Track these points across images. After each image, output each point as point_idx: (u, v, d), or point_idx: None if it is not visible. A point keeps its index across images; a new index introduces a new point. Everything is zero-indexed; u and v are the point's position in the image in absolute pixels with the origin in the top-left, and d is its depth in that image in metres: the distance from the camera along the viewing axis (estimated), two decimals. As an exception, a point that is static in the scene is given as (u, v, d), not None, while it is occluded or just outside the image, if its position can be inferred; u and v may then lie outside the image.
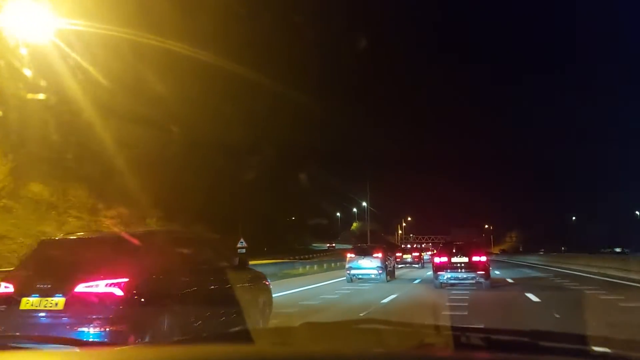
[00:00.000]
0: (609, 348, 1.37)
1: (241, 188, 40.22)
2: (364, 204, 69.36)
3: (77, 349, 2.04)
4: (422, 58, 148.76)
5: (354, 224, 79.33)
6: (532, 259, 38.56)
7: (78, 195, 21.11)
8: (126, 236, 5.32)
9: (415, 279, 19.52)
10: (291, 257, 34.57)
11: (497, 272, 21.37)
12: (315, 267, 29.13)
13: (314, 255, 46.70)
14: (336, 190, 64.18)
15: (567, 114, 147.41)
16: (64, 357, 1.77)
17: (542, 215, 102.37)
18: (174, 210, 26.27)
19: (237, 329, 5.27)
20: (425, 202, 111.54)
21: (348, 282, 17.46)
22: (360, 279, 17.72)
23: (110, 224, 21.31)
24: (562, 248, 68.02)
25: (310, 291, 14.57)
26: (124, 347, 2.79)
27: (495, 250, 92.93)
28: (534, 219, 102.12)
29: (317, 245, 65.51)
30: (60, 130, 18.72)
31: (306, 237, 63.83)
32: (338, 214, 74.29)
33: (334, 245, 68.04)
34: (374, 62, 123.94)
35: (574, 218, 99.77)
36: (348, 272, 17.86)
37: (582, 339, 1.40)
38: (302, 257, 38.53)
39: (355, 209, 76.63)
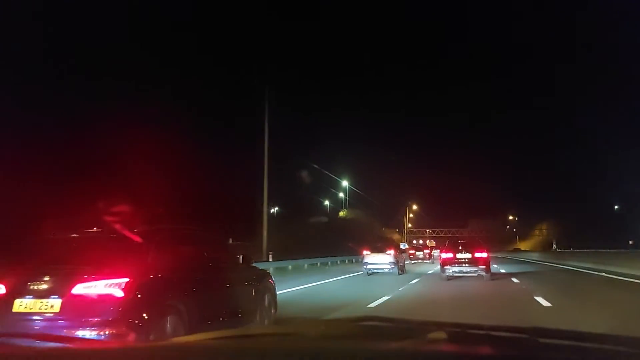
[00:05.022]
0: (607, 345, 1.40)
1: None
2: (345, 183, 62.92)
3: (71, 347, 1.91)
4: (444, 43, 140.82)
5: (341, 212, 68.56)
6: None
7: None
8: (127, 234, 4.98)
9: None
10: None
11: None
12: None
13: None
14: (325, 178, 56.06)
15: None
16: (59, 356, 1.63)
17: (579, 203, 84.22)
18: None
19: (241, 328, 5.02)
20: (440, 191, 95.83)
21: (365, 275, 19.84)
22: (375, 272, 20.31)
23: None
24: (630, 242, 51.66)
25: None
26: (120, 345, 2.68)
27: (523, 246, 78.06)
28: (569, 208, 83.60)
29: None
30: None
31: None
32: (327, 202, 60.89)
33: None
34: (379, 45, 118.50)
35: (616, 207, 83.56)
36: (364, 266, 20.74)
37: (581, 336, 1.43)
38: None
39: (341, 194, 64.94)
